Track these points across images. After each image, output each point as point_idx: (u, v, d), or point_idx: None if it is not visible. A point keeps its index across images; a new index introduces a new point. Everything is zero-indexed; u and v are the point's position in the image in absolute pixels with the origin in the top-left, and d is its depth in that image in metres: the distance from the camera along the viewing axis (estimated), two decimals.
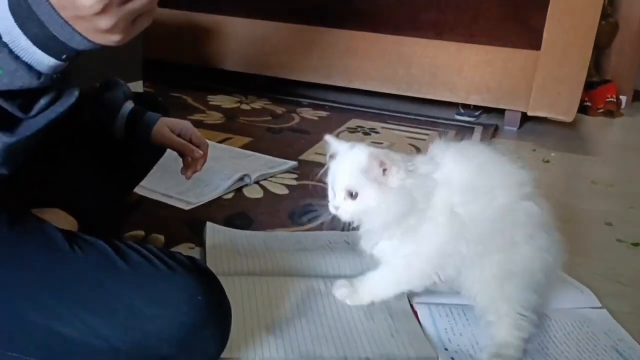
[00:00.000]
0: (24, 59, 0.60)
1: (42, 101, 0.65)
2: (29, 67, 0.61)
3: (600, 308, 1.10)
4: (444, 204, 0.92)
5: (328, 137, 0.96)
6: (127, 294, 0.70)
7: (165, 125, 1.13)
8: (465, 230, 0.92)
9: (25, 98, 0.64)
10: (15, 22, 0.59)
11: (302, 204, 1.45)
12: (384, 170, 0.88)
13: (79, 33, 0.60)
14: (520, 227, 0.94)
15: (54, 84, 0.65)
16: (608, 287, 1.18)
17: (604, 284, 1.20)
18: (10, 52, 0.60)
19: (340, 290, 1.00)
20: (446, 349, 0.94)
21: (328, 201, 0.94)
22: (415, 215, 0.91)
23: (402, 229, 0.92)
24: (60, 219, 0.98)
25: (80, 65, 0.70)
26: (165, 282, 0.71)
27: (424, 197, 0.91)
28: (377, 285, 1.00)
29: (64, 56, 0.62)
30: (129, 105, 1.12)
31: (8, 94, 0.62)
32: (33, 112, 0.65)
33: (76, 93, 0.68)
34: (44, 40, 0.60)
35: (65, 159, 1.08)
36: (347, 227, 0.95)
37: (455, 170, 0.93)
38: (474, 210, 0.92)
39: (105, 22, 0.58)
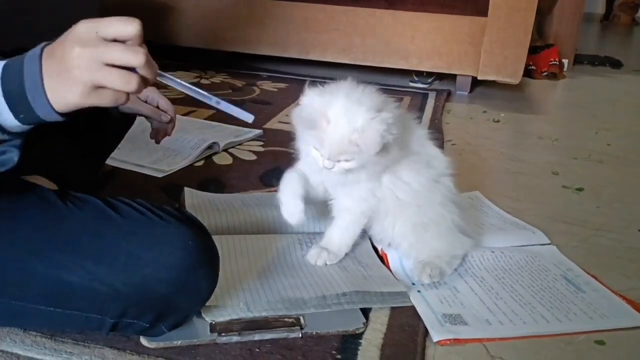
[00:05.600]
0: None
1: None
2: None
3: (550, 244, 1.21)
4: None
5: (307, 88, 0.96)
6: (124, 242, 0.74)
7: None
8: (398, 186, 1.03)
9: None
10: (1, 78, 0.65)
11: (270, 168, 1.51)
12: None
13: (45, 94, 0.64)
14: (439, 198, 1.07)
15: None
16: (556, 227, 1.30)
17: (552, 224, 1.31)
18: None
19: (320, 259, 1.04)
20: (413, 284, 1.03)
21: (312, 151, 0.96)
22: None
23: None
24: (43, 184, 1.02)
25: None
26: (158, 229, 0.76)
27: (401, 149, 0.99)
28: (342, 237, 1.06)
29: (21, 115, 0.66)
30: None
31: None
32: None
33: (15, 159, 0.71)
34: (16, 98, 0.65)
35: (41, 129, 1.10)
36: None
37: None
38: (413, 175, 1.03)
39: (77, 57, 0.62)
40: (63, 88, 0.64)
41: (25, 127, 0.69)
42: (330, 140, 0.92)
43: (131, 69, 0.64)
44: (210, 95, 0.71)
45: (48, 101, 0.65)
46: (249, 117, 0.74)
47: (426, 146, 1.08)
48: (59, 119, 0.67)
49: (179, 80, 0.72)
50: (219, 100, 0.71)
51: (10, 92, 0.65)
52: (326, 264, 1.04)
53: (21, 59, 0.65)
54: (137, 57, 0.63)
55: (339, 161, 0.94)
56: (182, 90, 0.72)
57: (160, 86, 1.21)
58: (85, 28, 0.63)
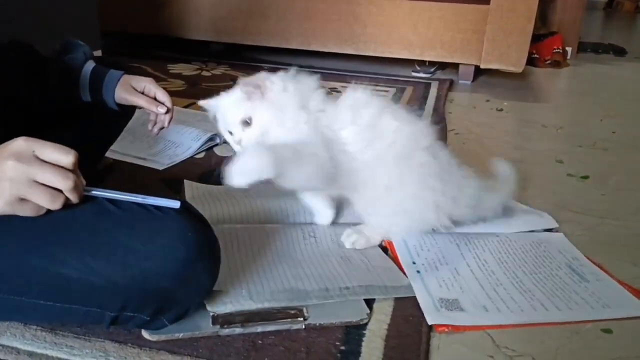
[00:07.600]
0: None
1: None
2: None
3: (557, 231, 1.20)
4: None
5: (201, 102, 1.06)
6: (122, 235, 0.73)
7: (128, 82, 1.13)
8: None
9: None
10: None
11: None
12: (260, 90, 0.97)
13: None
14: (416, 174, 1.04)
15: None
16: (562, 215, 1.28)
17: (558, 212, 1.29)
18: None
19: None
20: (414, 263, 1.02)
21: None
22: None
23: None
24: None
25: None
26: (157, 222, 0.75)
27: (309, 98, 1.00)
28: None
29: None
30: (90, 64, 1.11)
31: None
32: None
33: None
34: None
35: (39, 123, 1.09)
36: None
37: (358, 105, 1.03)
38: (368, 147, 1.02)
39: (10, 170, 0.65)
40: None
41: None
42: (226, 113, 1.00)
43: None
44: (137, 195, 0.76)
45: None
46: (175, 204, 0.76)
47: (385, 121, 1.04)
48: None
49: (106, 192, 0.75)
50: (145, 197, 0.76)
51: None
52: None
53: None
54: (65, 182, 0.67)
55: (243, 131, 0.98)
56: (114, 197, 0.75)
57: (158, 78, 1.19)
58: (23, 145, 0.67)
